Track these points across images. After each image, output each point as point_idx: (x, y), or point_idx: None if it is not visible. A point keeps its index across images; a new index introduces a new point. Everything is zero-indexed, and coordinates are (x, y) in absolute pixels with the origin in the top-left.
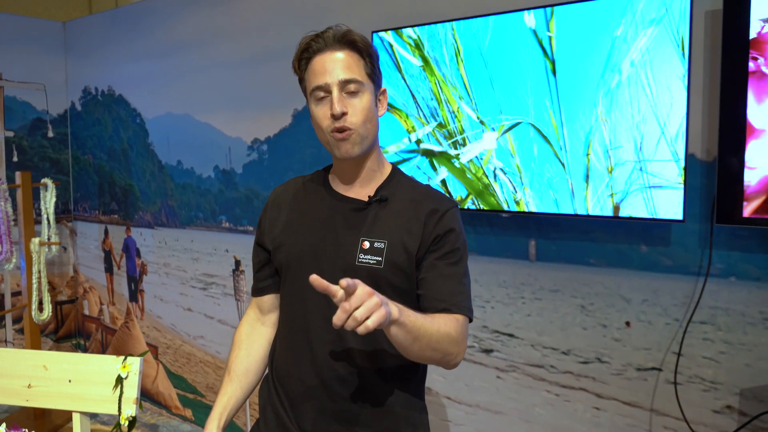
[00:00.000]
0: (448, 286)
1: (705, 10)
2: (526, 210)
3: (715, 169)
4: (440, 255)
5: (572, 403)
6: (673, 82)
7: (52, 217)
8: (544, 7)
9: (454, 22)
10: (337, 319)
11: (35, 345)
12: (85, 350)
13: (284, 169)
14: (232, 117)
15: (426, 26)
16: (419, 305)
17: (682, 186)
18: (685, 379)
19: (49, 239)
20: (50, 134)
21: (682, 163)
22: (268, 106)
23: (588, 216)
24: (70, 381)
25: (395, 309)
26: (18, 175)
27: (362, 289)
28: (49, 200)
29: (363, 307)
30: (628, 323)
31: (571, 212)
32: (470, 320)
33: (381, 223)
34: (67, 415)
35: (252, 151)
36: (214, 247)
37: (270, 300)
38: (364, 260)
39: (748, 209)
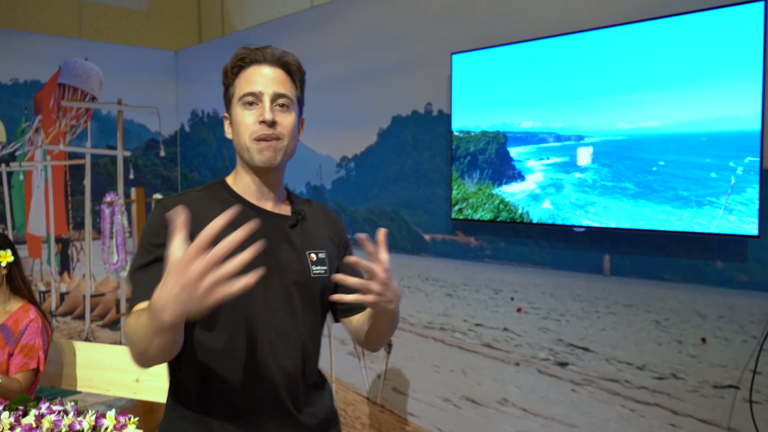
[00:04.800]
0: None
1: None
2: (600, 225)
3: None
4: (349, 258)
5: (647, 419)
6: (747, 95)
7: None
8: (621, 25)
9: (533, 42)
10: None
11: None
12: None
13: (369, 185)
14: (322, 135)
15: (504, 47)
16: (334, 304)
17: (758, 201)
18: (763, 398)
19: None
20: (162, 153)
21: (758, 178)
22: (355, 125)
23: (662, 231)
24: None
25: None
26: (133, 190)
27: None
28: None
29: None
30: (703, 339)
31: (645, 227)
32: None
33: (313, 236)
34: None
35: (340, 168)
36: None
37: None
38: (316, 272)
39: None
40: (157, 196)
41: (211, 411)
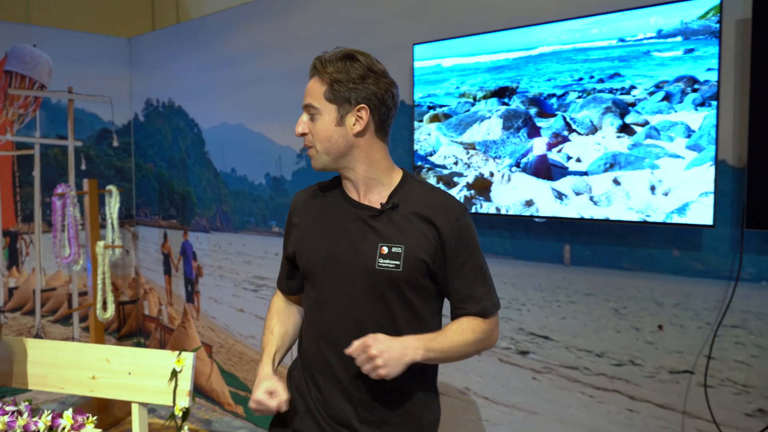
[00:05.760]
0: (474, 291)
1: (735, 19)
2: (561, 215)
3: (745, 175)
4: (460, 259)
5: (606, 404)
6: (703, 89)
7: (116, 222)
8: (577, 18)
9: (494, 33)
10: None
11: (99, 342)
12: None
13: (330, 176)
14: (282, 127)
15: (466, 38)
16: (449, 301)
17: (713, 192)
18: (717, 382)
19: (113, 243)
20: (115, 144)
21: (713, 169)
22: None
23: (621, 221)
24: (129, 374)
25: (419, 352)
26: (85, 182)
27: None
28: (113, 206)
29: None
30: (660, 326)
31: (605, 217)
32: (498, 307)
33: (397, 229)
34: (126, 409)
35: (300, 159)
36: (265, 250)
37: (298, 297)
38: (383, 264)
39: None
40: (111, 187)
41: (302, 359)
